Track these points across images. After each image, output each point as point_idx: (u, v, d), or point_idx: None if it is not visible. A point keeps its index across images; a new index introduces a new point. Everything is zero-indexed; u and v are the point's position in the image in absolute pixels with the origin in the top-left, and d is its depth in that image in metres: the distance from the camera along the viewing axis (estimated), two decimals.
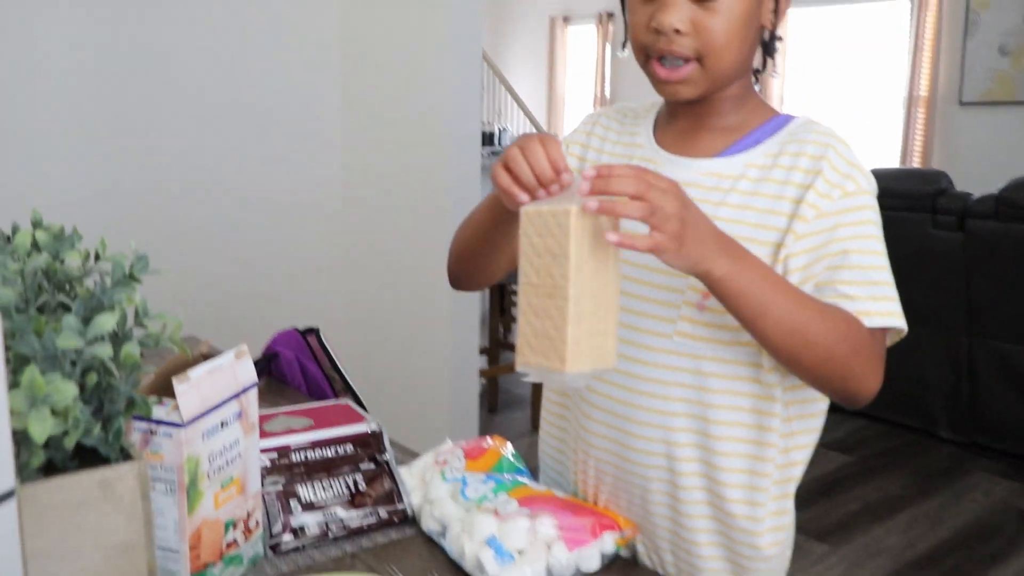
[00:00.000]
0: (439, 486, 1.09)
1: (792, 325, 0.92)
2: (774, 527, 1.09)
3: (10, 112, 2.39)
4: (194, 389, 0.87)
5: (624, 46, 1.12)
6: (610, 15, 8.89)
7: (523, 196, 0.93)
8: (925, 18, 6.66)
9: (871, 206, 1.01)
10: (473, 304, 2.88)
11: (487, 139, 7.24)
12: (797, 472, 1.10)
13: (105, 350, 0.71)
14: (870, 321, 0.96)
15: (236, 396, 0.94)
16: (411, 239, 2.86)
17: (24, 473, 0.66)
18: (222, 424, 0.92)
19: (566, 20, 9.45)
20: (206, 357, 0.98)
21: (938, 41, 6.65)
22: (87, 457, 0.74)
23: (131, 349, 0.75)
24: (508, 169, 0.94)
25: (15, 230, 0.84)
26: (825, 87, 7.50)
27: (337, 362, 1.67)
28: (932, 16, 6.63)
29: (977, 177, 5.11)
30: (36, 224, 0.91)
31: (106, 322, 0.71)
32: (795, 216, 1.00)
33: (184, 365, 0.94)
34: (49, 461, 0.72)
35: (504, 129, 7.86)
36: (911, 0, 6.76)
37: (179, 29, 2.63)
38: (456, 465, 1.13)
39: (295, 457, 1.13)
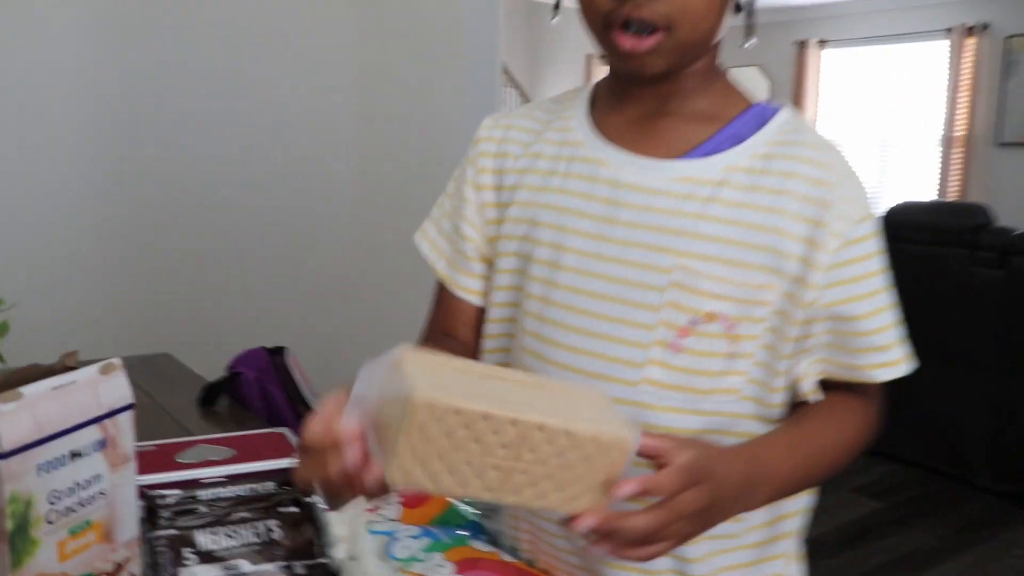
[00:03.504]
0: (364, 540, 0.89)
1: (820, 477, 0.84)
2: None
3: (21, 117, 2.31)
4: (26, 410, 0.69)
5: (556, 10, 0.93)
6: None
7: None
8: (963, 59, 6.54)
9: (880, 251, 0.85)
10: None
11: None
12: (791, 525, 0.91)
13: None
14: (881, 376, 0.85)
15: (97, 420, 0.76)
16: (417, 258, 2.69)
17: None
18: (72, 455, 0.73)
19: (603, 57, 9.36)
20: (71, 371, 0.80)
21: (976, 81, 6.50)
22: None
23: None
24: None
25: None
26: (861, 127, 7.37)
27: (300, 385, 1.49)
28: (970, 57, 6.50)
29: (1017, 217, 4.83)
30: None
31: None
32: (814, 243, 0.81)
33: (33, 379, 0.76)
34: None
35: None
36: (949, 41, 6.63)
37: (194, 36, 2.54)
38: (389, 514, 0.93)
39: (203, 495, 0.94)
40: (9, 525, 0.68)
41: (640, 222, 0.83)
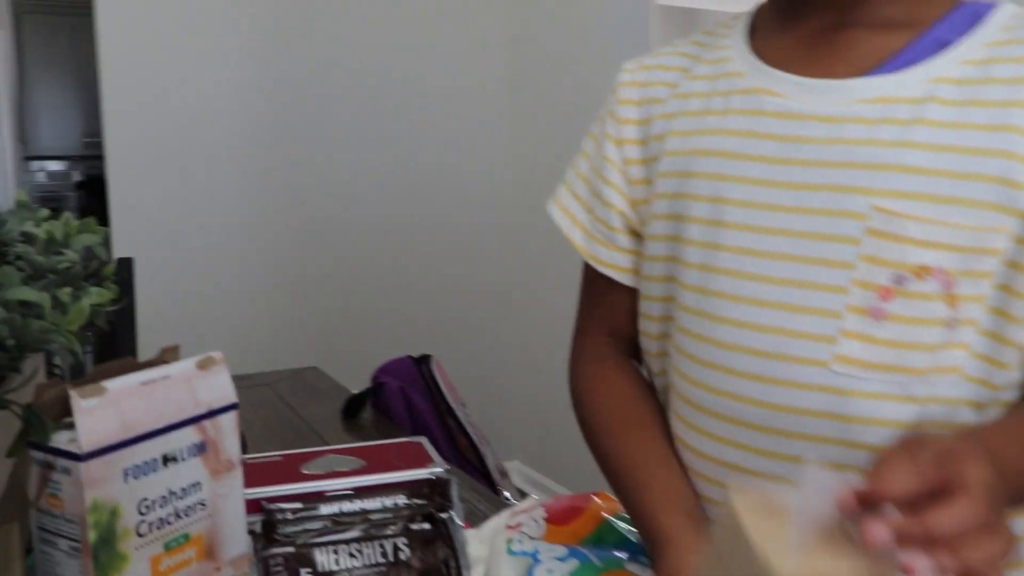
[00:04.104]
0: (502, 562, 0.77)
1: None
2: None
3: (180, 126, 2.40)
4: (110, 407, 0.61)
5: None
6: None
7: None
8: None
9: None
10: None
11: None
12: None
13: None
14: None
15: (194, 421, 0.67)
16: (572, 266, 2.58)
17: None
18: (165, 460, 0.65)
19: None
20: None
21: None
22: None
23: None
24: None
25: None
26: None
27: (446, 395, 1.39)
28: None
29: None
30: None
31: None
32: None
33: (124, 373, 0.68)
34: None
35: None
36: None
37: (341, 40, 2.56)
38: (532, 531, 0.81)
39: (326, 509, 0.85)
40: (92, 537, 0.60)
41: (823, 159, 0.67)
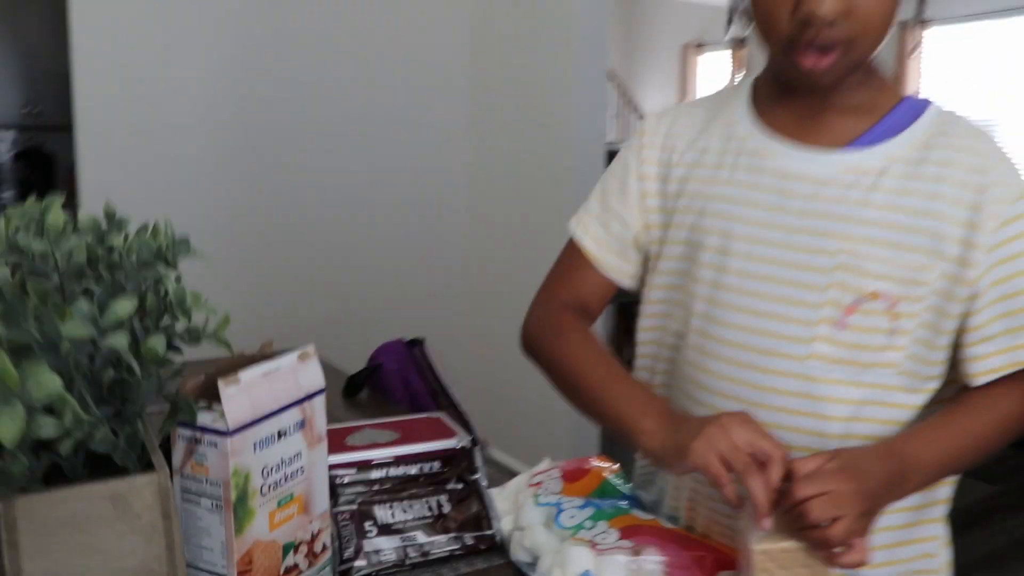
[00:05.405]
0: (531, 511, 0.96)
1: (977, 459, 0.89)
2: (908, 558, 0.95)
3: (146, 122, 2.45)
4: (244, 393, 0.77)
5: (731, 27, 0.99)
6: (741, 41, 8.67)
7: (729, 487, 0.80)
8: None
9: None
10: (597, 322, 2.75)
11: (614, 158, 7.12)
12: (942, 493, 0.97)
13: (120, 341, 0.61)
14: None
15: (298, 403, 0.84)
16: (532, 251, 2.76)
17: (5, 480, 0.57)
18: (279, 434, 0.81)
19: (699, 47, 9.32)
20: (269, 359, 0.88)
21: None
22: (105, 468, 0.65)
23: (156, 342, 0.65)
24: (723, 460, 0.79)
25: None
26: (965, 107, 7.22)
27: (440, 375, 1.56)
28: None
29: None
30: (108, 215, 0.84)
31: (122, 308, 0.61)
32: (973, 225, 0.86)
33: (241, 366, 0.84)
34: (57, 470, 0.62)
35: None
36: None
37: (308, 38, 2.65)
38: (552, 488, 1.00)
39: (375, 474, 1.02)
40: (233, 496, 0.76)
41: (807, 209, 0.89)
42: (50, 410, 0.56)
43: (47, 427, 0.55)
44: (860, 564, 0.76)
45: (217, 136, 2.56)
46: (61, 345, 0.59)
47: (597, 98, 2.68)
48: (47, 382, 0.53)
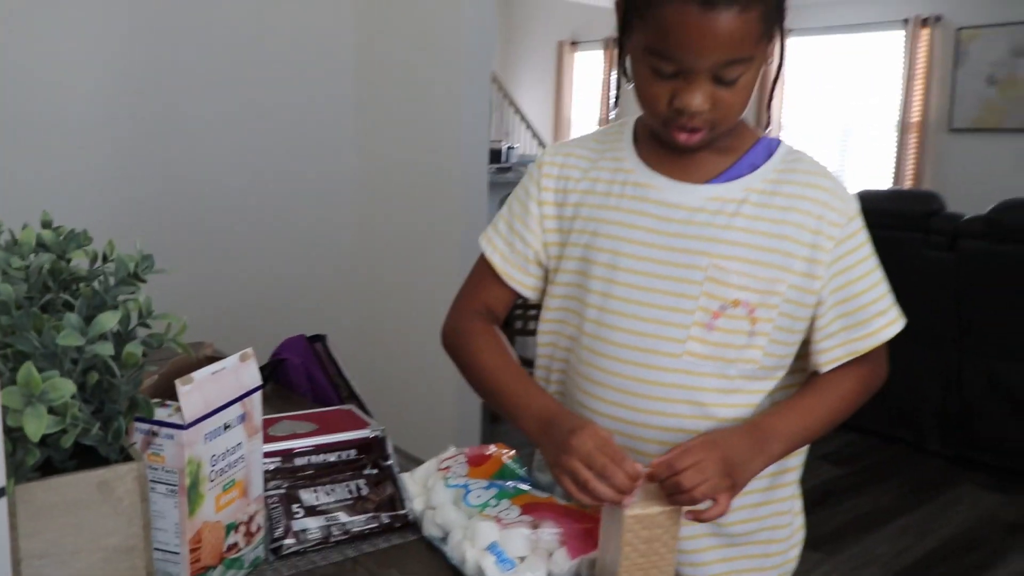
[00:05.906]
0: (441, 492, 1.09)
1: (828, 427, 1.09)
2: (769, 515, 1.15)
3: (30, 117, 2.42)
4: (197, 391, 0.87)
5: (615, 99, 1.23)
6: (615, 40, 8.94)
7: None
8: (918, 48, 6.98)
9: (866, 238, 1.09)
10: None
11: (495, 156, 7.28)
12: (792, 476, 1.17)
13: (106, 349, 0.71)
14: (883, 337, 1.08)
15: (240, 399, 0.94)
16: (420, 250, 2.86)
17: (20, 472, 0.66)
18: (225, 427, 0.92)
19: (574, 45, 9.56)
20: (210, 360, 0.98)
21: (930, 70, 6.97)
22: (86, 457, 0.74)
23: (133, 349, 0.75)
24: (586, 489, 0.94)
25: (24, 228, 0.84)
26: (821, 113, 7.78)
27: (343, 369, 1.67)
28: (924, 46, 6.95)
29: (966, 200, 5.17)
30: (45, 224, 0.91)
31: (108, 321, 0.71)
32: (815, 246, 1.05)
33: (188, 367, 0.94)
34: (47, 461, 0.72)
35: (512, 147, 7.89)
36: (905, 30, 7.06)
37: (196, 38, 2.66)
38: (459, 472, 1.13)
39: (298, 461, 1.13)
40: (187, 482, 0.86)
41: (682, 232, 1.06)
42: (51, 410, 0.66)
43: (54, 424, 0.64)
44: (721, 515, 0.95)
45: (104, 135, 2.54)
46: (56, 354, 0.68)
47: (481, 98, 2.76)
48: (62, 387, 0.62)
